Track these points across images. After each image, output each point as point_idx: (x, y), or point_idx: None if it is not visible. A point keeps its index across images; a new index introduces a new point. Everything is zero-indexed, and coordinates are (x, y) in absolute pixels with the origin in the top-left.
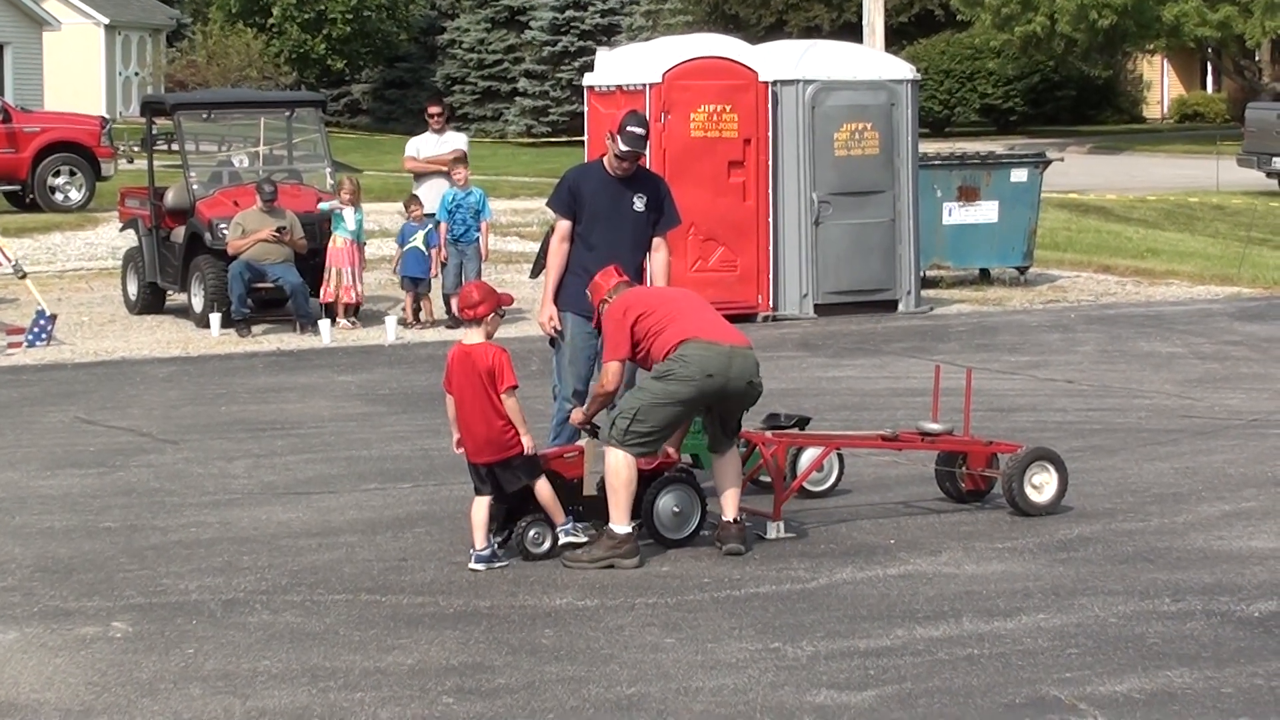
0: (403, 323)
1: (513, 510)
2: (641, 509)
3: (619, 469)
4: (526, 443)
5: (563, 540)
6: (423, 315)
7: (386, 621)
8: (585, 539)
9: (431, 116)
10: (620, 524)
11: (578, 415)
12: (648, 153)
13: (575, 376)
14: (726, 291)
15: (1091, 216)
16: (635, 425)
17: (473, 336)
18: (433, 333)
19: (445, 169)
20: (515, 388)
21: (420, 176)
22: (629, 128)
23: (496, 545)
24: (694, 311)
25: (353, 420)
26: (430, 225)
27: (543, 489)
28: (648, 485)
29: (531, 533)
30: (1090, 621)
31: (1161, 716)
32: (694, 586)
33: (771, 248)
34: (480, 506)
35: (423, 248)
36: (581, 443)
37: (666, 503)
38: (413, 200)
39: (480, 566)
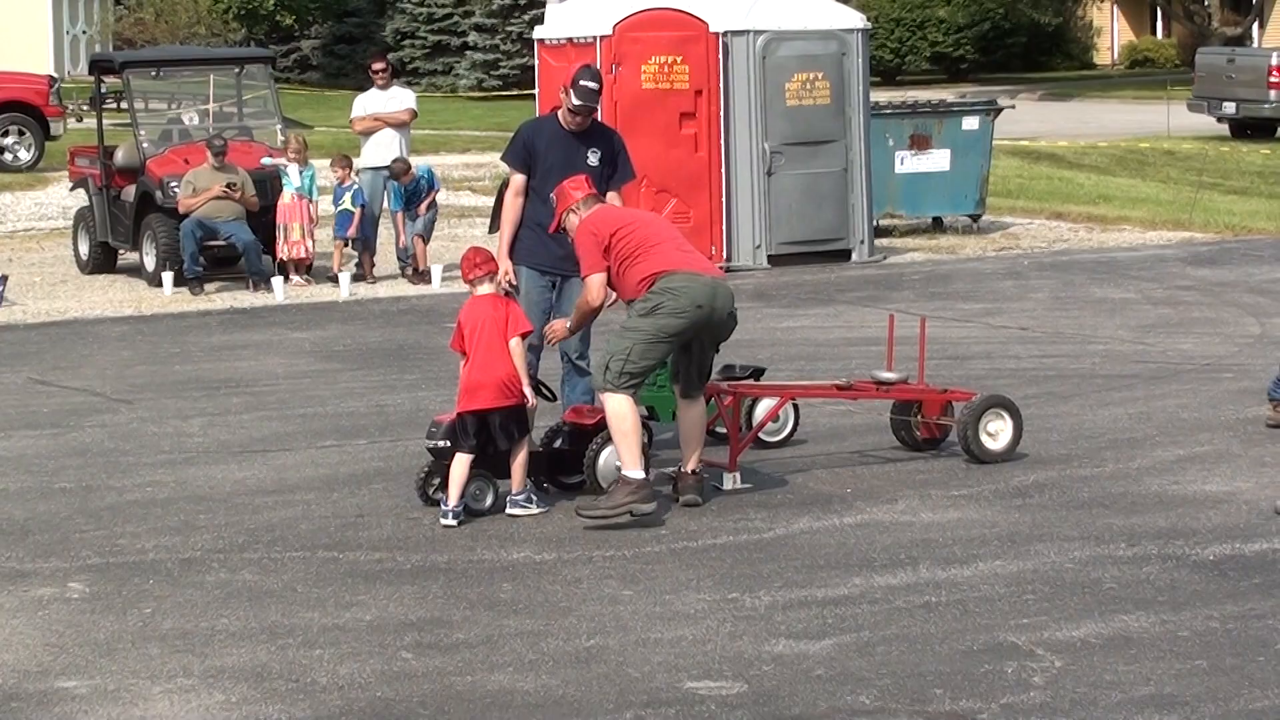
0: (359, 278)
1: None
2: (584, 464)
3: (623, 414)
4: (528, 393)
5: (510, 510)
6: (369, 274)
7: (344, 578)
8: (538, 510)
9: (376, 73)
10: (634, 469)
11: (559, 325)
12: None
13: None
14: None
15: (1043, 163)
16: (630, 366)
17: (484, 288)
18: (386, 288)
19: (394, 125)
20: (529, 334)
21: (368, 134)
22: (582, 82)
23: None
24: (671, 242)
25: (307, 377)
26: (356, 185)
27: (521, 451)
28: (590, 439)
29: (472, 488)
30: (1046, 567)
31: (1118, 661)
32: (651, 538)
33: (724, 199)
34: (461, 463)
35: (351, 208)
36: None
37: (609, 457)
38: (339, 160)
39: (452, 522)
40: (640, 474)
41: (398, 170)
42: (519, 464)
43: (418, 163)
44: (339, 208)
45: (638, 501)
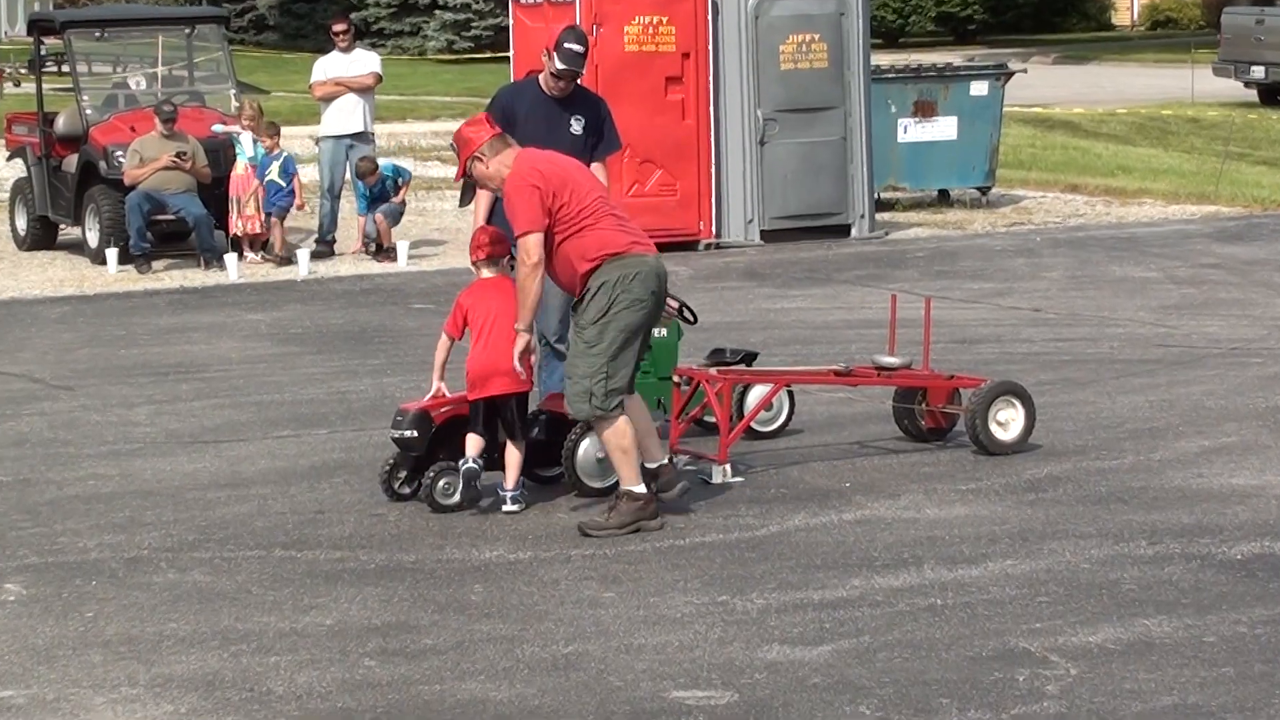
0: (320, 255)
1: (420, 459)
2: (562, 455)
3: (623, 431)
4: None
5: (507, 506)
6: (275, 249)
7: (303, 579)
8: (521, 507)
9: (337, 34)
10: (637, 484)
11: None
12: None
13: None
14: (665, 218)
15: (1058, 132)
16: (613, 384)
17: (488, 271)
18: (349, 266)
19: (357, 91)
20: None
21: (329, 100)
22: (566, 45)
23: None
24: (608, 210)
25: (263, 362)
26: (285, 154)
27: (518, 445)
28: (568, 429)
29: (441, 483)
30: (1061, 567)
31: (1138, 668)
32: (634, 536)
33: (713, 170)
34: (513, 453)
35: (280, 180)
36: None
37: (589, 448)
38: (268, 128)
39: (514, 508)
40: (643, 489)
41: (363, 170)
42: (514, 460)
43: (384, 161)
44: (265, 178)
45: (647, 519)
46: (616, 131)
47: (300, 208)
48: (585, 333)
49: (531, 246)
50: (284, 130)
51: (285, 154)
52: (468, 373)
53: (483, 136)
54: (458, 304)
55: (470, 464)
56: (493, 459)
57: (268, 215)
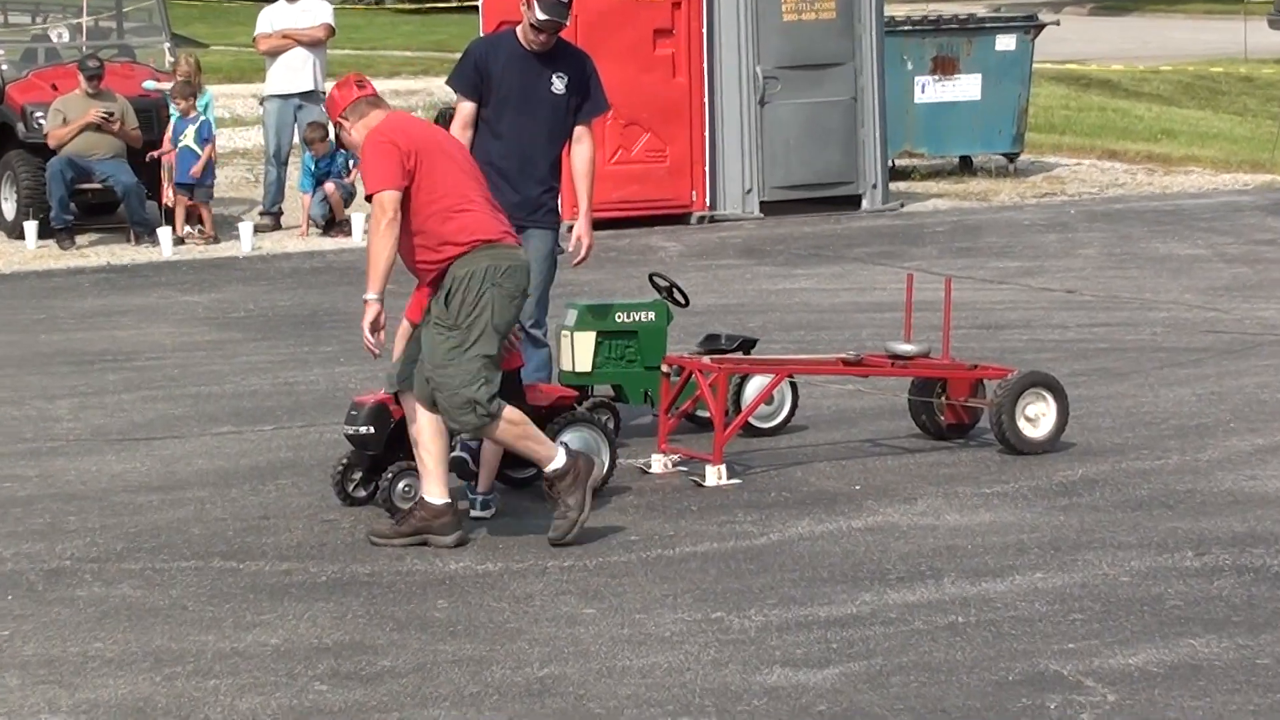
0: (265, 228)
1: (378, 459)
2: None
3: (513, 423)
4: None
5: (475, 512)
6: (204, 228)
7: (245, 593)
8: (490, 513)
9: None
10: (557, 458)
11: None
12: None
13: None
14: (653, 187)
15: (1094, 92)
16: (492, 388)
17: None
18: (298, 241)
19: (306, 44)
20: None
21: (275, 54)
22: None
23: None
24: (480, 193)
25: (201, 349)
26: (203, 118)
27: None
28: (545, 424)
29: (401, 485)
30: (1097, 581)
31: (1184, 694)
32: (618, 546)
33: (707, 134)
34: (490, 446)
35: (195, 147)
36: None
37: (571, 444)
38: (183, 89)
39: (483, 513)
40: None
41: (311, 138)
42: (492, 456)
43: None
44: (179, 144)
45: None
46: (603, 91)
47: (195, 175)
48: (452, 334)
49: (387, 202)
50: (225, 89)
51: (203, 118)
52: None
53: (348, 97)
54: (420, 287)
55: (481, 502)
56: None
57: (187, 187)
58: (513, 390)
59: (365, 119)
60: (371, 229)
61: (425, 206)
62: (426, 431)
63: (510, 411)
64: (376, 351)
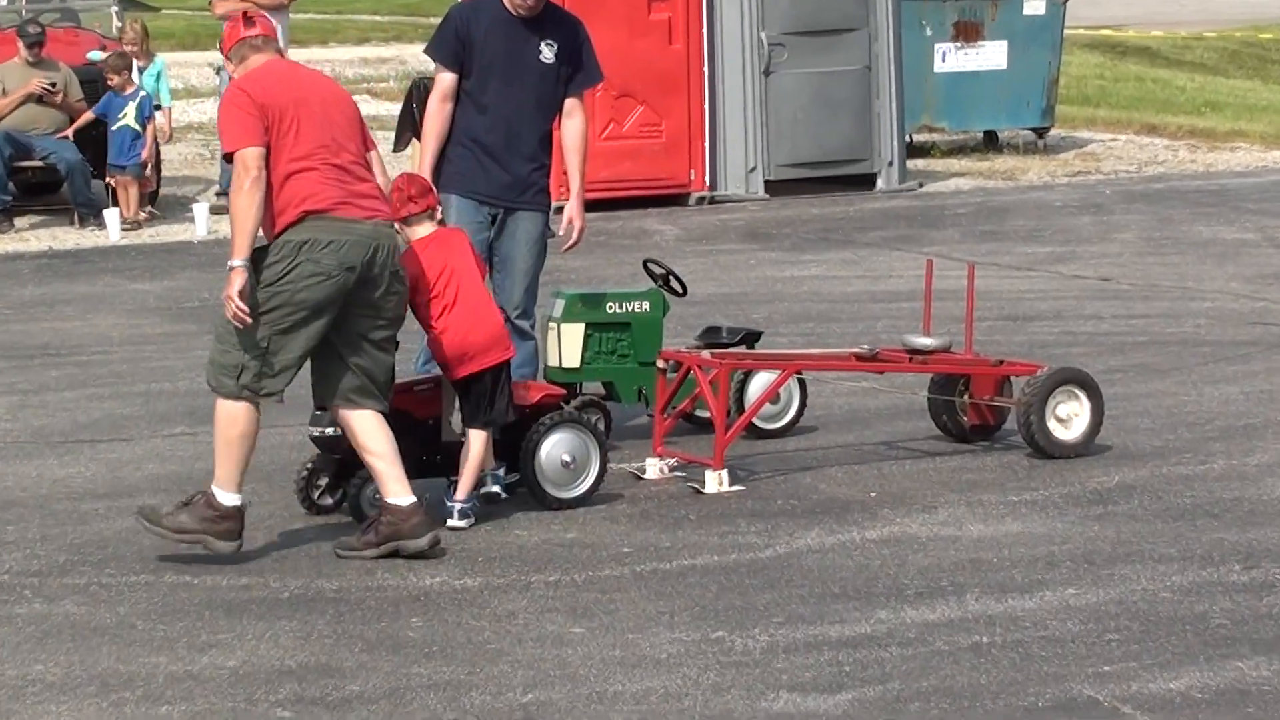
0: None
1: (346, 463)
2: (520, 459)
3: (235, 418)
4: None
5: (454, 521)
6: (139, 212)
7: (199, 610)
8: (470, 522)
9: None
10: (230, 491)
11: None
12: None
13: None
14: (648, 165)
15: (1131, 60)
16: (272, 366)
17: (425, 229)
18: None
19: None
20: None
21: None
22: None
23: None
24: (331, 164)
25: (152, 343)
26: (142, 94)
27: (480, 443)
28: (526, 426)
29: (370, 491)
30: (1135, 597)
31: None
32: (609, 558)
33: (707, 106)
34: (478, 440)
35: (135, 125)
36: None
37: (553, 450)
38: (117, 62)
39: (461, 524)
40: (235, 499)
41: None
42: (480, 455)
43: None
44: (117, 124)
45: (214, 537)
46: (596, 60)
47: (145, 164)
48: (256, 292)
49: (250, 160)
50: (179, 56)
51: (143, 93)
52: (444, 348)
53: (234, 36)
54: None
55: (459, 511)
56: (427, 464)
57: (119, 167)
58: (498, 387)
59: (245, 63)
60: (234, 189)
61: (272, 171)
62: (366, 435)
63: (245, 412)
64: (248, 320)
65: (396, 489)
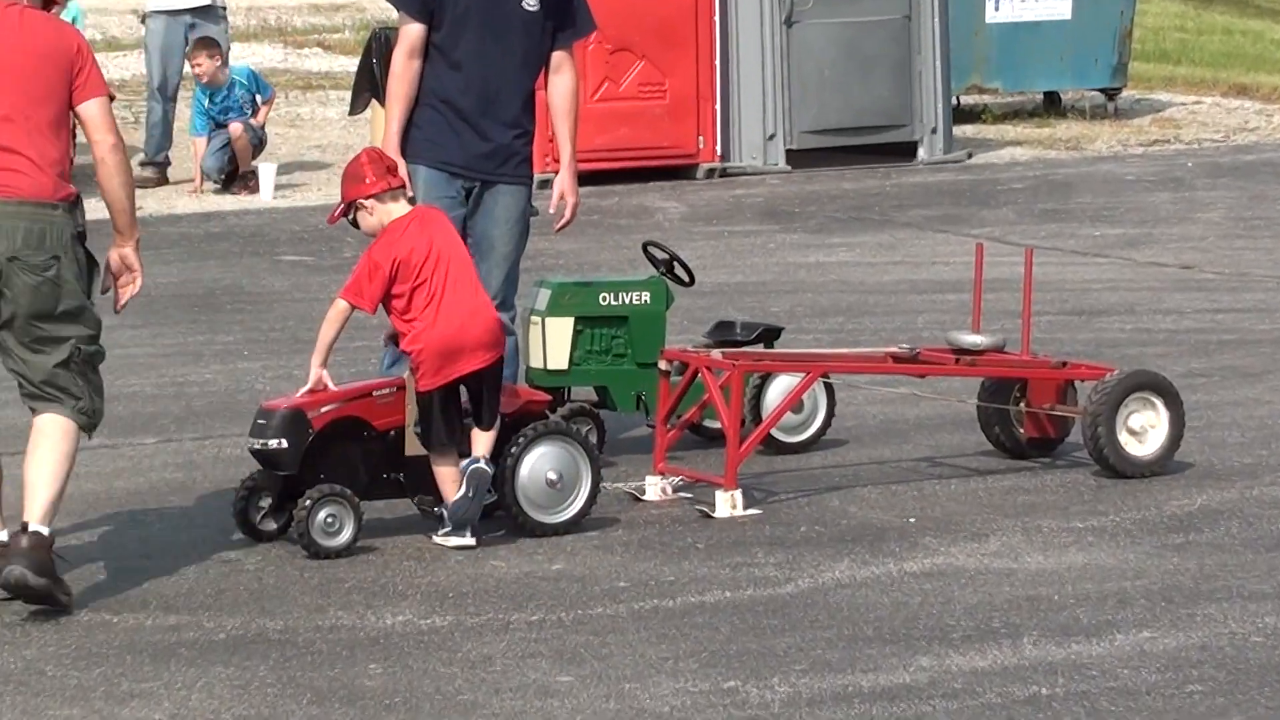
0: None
1: (293, 481)
2: (497, 478)
3: None
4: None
5: (440, 536)
6: None
7: (120, 654)
8: (472, 541)
9: None
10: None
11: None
12: None
13: None
14: (649, 130)
15: (1217, 9)
16: None
17: (400, 208)
18: (190, 201)
19: None
20: None
21: None
22: None
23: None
24: None
25: None
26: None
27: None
28: (505, 439)
29: (323, 515)
30: (1222, 642)
31: None
32: (603, 594)
33: (719, 63)
34: (446, 462)
35: None
36: (404, 374)
37: (537, 466)
38: None
39: (471, 541)
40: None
41: (202, 66)
42: (488, 441)
43: (240, 63)
44: None
45: None
46: (588, 8)
47: None
48: None
49: None
50: (95, 3)
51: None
52: (426, 349)
53: None
54: (377, 261)
55: (480, 464)
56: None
57: None
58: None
59: None
60: None
61: None
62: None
63: None
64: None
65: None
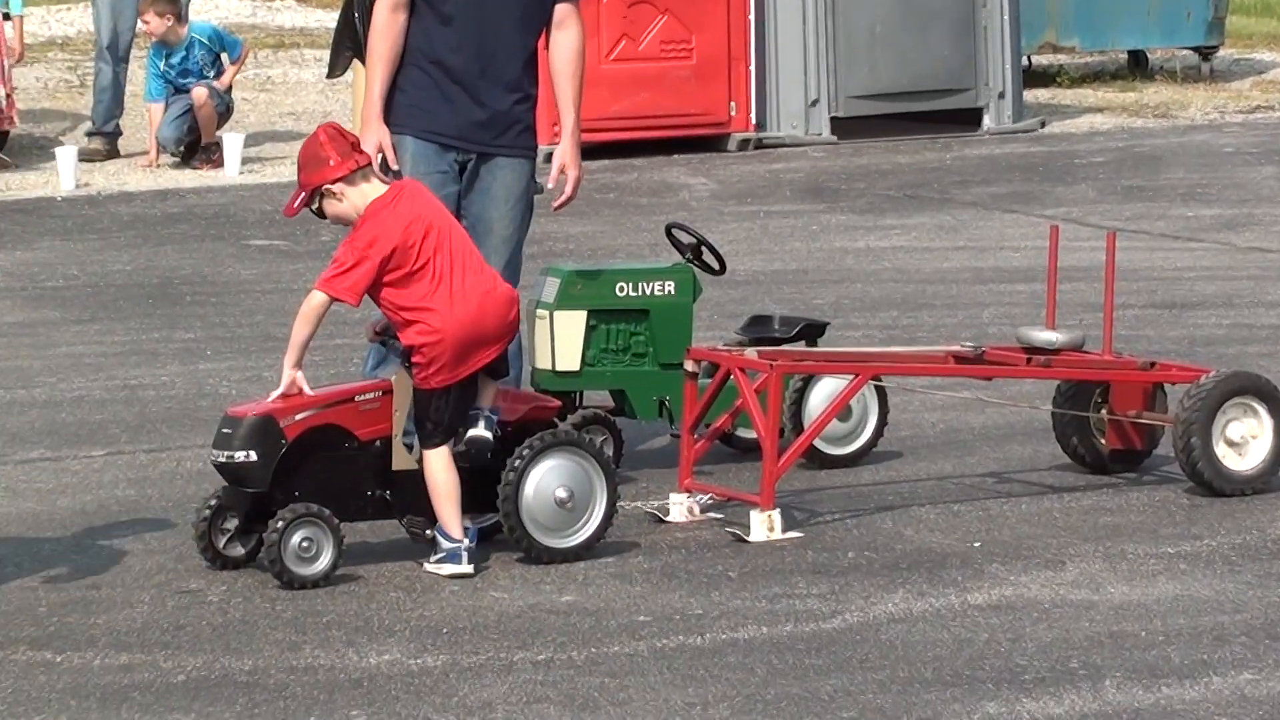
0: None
1: (263, 500)
2: (499, 496)
3: None
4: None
5: (431, 564)
6: None
7: (64, 698)
8: (469, 569)
9: None
10: None
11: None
12: None
13: None
14: (674, 96)
15: None
16: None
17: (375, 187)
18: (144, 177)
19: None
20: None
21: None
22: None
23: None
24: None
25: (2, 335)
26: None
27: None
28: (508, 451)
29: (298, 539)
30: None
31: None
32: (620, 630)
33: (753, 18)
34: (444, 474)
35: None
36: (391, 376)
37: (544, 482)
38: None
39: (469, 568)
40: None
41: (155, 25)
42: (447, 486)
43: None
44: None
45: None
46: None
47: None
48: None
49: None
50: None
51: None
52: (445, 340)
53: None
54: (364, 249)
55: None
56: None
57: None
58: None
59: None
60: None
61: None
62: None
63: None
64: None
65: None
